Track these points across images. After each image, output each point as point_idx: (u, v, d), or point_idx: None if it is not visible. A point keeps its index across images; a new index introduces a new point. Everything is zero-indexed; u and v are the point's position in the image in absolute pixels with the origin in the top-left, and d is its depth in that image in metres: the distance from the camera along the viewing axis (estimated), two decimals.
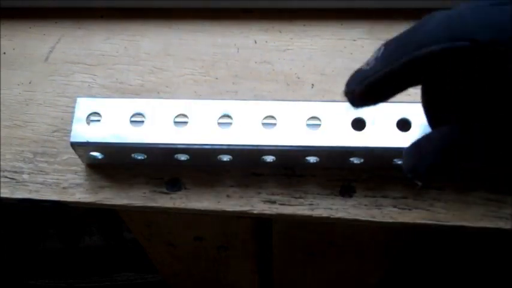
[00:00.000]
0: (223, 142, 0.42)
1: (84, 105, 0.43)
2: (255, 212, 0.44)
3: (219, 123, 0.42)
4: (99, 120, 0.43)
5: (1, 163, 0.46)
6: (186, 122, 0.42)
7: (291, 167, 0.45)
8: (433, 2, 0.52)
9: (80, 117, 0.43)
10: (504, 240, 0.52)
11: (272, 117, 0.42)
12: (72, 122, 0.43)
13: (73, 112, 0.43)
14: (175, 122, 0.42)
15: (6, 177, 0.45)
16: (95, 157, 0.44)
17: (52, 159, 0.46)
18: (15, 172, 0.46)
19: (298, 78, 0.49)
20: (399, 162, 0.43)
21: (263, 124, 0.42)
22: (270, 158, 0.43)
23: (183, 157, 0.43)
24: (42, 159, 0.46)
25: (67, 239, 1.01)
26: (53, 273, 1.07)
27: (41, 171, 0.45)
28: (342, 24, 0.52)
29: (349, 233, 0.58)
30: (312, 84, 0.49)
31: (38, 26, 0.54)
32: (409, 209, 0.43)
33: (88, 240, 1.01)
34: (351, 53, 0.51)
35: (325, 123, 0.42)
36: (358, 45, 0.51)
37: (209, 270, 0.79)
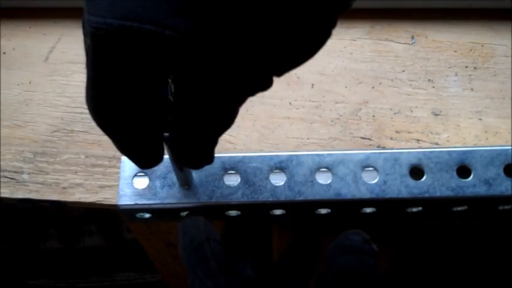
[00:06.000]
0: (275, 199, 0.41)
1: (129, 165, 0.42)
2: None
3: (272, 176, 0.41)
4: (145, 179, 0.41)
5: (1, 163, 0.46)
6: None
7: None
8: (432, 2, 0.52)
9: (125, 177, 0.41)
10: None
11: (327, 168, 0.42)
12: (119, 182, 0.42)
13: (119, 169, 0.42)
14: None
15: (6, 177, 0.45)
16: (142, 216, 0.43)
17: (52, 159, 0.46)
18: (15, 172, 0.46)
19: (298, 78, 0.49)
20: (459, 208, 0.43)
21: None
22: (324, 211, 0.43)
23: (233, 213, 0.43)
24: (42, 159, 0.46)
25: (67, 239, 1.01)
26: (53, 273, 1.07)
27: (41, 171, 0.45)
28: (342, 24, 0.52)
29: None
30: (312, 84, 0.49)
31: (38, 26, 0.54)
32: None
33: (88, 240, 1.01)
34: (351, 53, 0.51)
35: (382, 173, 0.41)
36: (358, 45, 0.51)
37: None
